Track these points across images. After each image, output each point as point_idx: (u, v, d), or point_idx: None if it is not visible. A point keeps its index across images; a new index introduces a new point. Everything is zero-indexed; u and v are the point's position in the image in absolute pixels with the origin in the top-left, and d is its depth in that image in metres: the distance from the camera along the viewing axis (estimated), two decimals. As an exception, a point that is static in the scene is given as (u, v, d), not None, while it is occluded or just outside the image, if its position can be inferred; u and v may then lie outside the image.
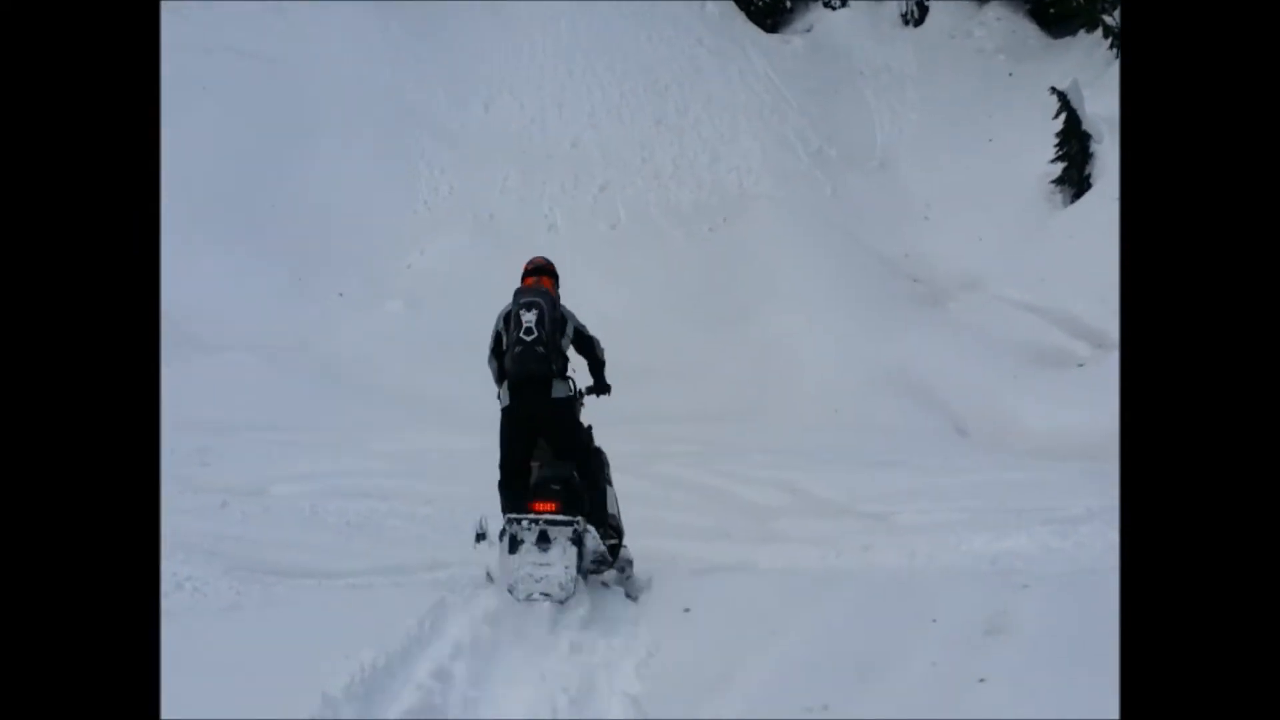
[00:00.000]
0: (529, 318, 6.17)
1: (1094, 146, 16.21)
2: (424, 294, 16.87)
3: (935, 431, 12.79)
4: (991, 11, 22.66)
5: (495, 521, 6.16)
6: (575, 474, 6.23)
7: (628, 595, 6.48)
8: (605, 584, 6.63)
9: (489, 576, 6.28)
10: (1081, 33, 20.18)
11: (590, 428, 6.73)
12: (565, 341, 6.49)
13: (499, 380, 6.49)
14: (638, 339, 13.97)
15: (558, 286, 6.78)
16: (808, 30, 23.59)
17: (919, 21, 23.21)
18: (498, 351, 6.47)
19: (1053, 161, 16.74)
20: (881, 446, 11.69)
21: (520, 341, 6.16)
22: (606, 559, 6.40)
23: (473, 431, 12.13)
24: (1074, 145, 16.39)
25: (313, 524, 8.23)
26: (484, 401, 13.47)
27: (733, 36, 22.85)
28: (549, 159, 19.96)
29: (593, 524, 6.12)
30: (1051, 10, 21.52)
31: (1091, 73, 18.06)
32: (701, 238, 18.35)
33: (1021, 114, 18.48)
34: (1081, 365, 13.35)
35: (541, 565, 5.80)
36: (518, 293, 6.48)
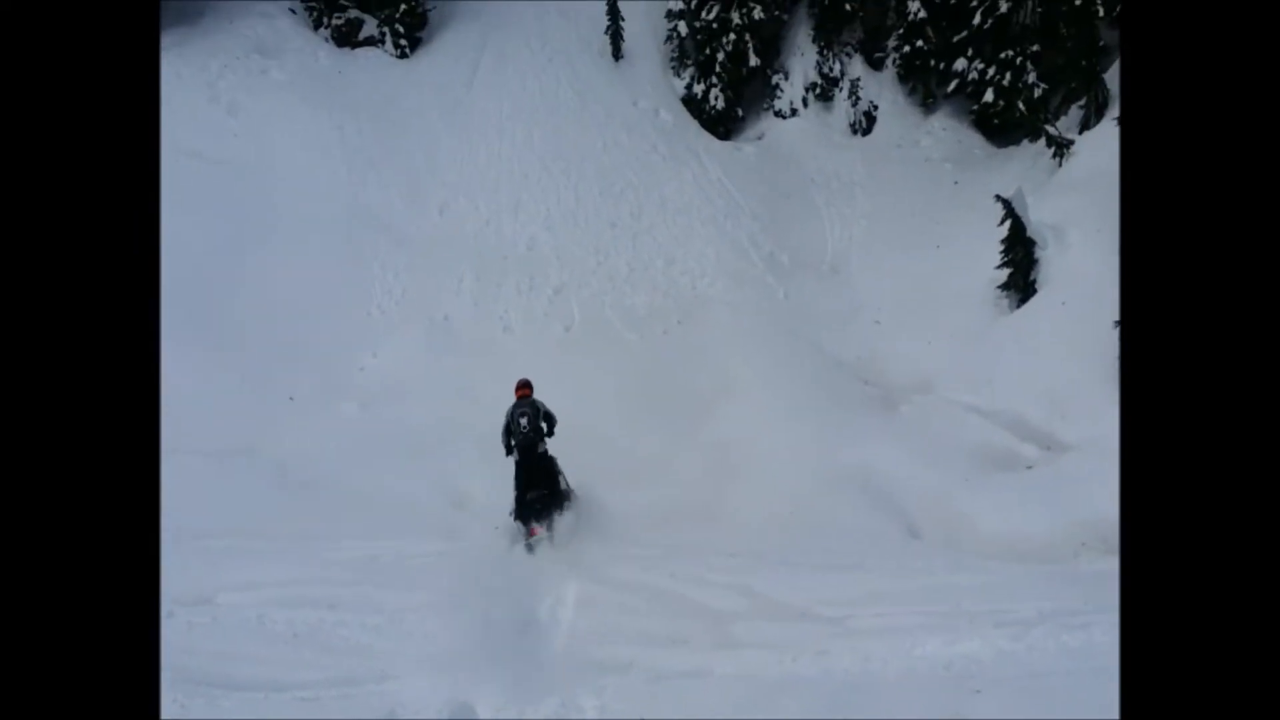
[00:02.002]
0: (524, 421, 12.23)
1: (1039, 252, 16.55)
2: (377, 396, 16.80)
3: (888, 534, 12.80)
4: (937, 122, 23.32)
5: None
6: (548, 491, 11.97)
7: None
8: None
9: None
10: (1025, 142, 20.80)
11: (547, 450, 12.48)
12: (541, 421, 12.36)
13: (508, 450, 12.47)
14: (592, 441, 13.97)
15: (534, 391, 12.72)
16: (759, 138, 24.13)
17: (867, 131, 23.85)
18: (507, 432, 12.35)
19: (999, 267, 17.06)
20: (836, 548, 11.68)
21: (522, 432, 12.18)
22: (564, 510, 11.96)
23: (425, 535, 12.05)
24: (1019, 251, 16.73)
25: (260, 634, 8.09)
26: (438, 503, 13.47)
27: (687, 143, 23.32)
28: (504, 261, 20.11)
29: (555, 504, 11.93)
30: (995, 121, 22.16)
31: (1035, 181, 18.55)
32: (656, 340, 18.49)
33: (967, 221, 18.92)
34: (1030, 467, 13.46)
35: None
36: (518, 403, 12.47)
